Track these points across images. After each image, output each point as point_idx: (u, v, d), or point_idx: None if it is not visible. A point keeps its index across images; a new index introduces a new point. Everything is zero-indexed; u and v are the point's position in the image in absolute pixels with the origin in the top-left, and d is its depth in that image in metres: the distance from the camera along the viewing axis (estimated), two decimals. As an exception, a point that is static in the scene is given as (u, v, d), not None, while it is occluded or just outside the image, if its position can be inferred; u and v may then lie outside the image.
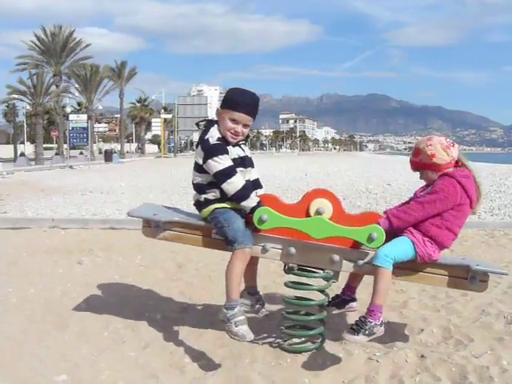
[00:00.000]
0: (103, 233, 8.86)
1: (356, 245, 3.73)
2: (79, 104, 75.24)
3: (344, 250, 3.75)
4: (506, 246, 7.51)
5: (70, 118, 40.67)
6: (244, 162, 3.84)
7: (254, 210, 3.64)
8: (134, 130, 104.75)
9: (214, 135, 3.71)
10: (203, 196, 3.78)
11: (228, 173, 3.62)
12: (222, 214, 3.69)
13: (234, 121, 3.70)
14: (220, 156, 3.63)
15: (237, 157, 3.76)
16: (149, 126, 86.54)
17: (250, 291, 4.05)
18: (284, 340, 3.98)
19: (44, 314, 4.62)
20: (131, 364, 3.72)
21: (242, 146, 3.88)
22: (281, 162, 46.93)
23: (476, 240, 7.93)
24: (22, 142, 72.53)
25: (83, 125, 39.71)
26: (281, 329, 3.98)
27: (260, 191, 3.94)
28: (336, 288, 4.59)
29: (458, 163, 3.84)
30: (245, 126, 3.75)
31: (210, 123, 3.81)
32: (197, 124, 3.91)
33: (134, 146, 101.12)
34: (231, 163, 3.66)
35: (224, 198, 3.72)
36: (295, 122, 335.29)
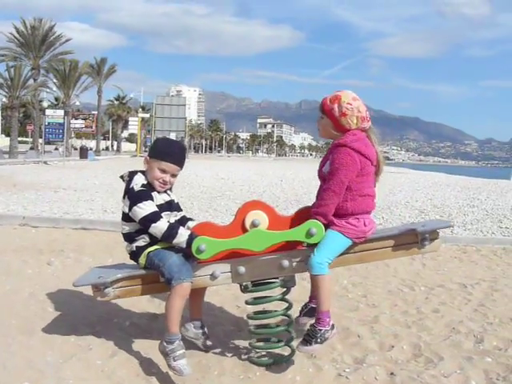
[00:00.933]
0: (74, 233, 8.74)
1: (299, 244, 3.76)
2: (56, 99, 74.45)
3: (290, 253, 3.76)
4: (478, 262, 7.57)
5: (46, 113, 40.10)
6: (170, 206, 3.91)
7: (189, 243, 3.65)
8: (110, 128, 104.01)
9: (138, 182, 3.78)
10: (134, 245, 3.83)
11: (152, 218, 3.67)
12: (156, 256, 3.73)
13: (162, 171, 3.79)
14: (144, 202, 3.69)
15: (163, 202, 3.85)
16: (126, 125, 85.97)
17: (195, 324, 4.07)
18: (253, 353, 3.94)
19: (9, 317, 4.51)
20: (97, 373, 3.64)
21: (168, 191, 3.95)
22: (257, 166, 46.91)
23: (448, 255, 7.98)
24: (-4, 135, 71.57)
25: (60, 120, 39.13)
26: (249, 343, 3.95)
27: (191, 224, 3.96)
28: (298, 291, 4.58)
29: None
30: (173, 175, 3.84)
31: (132, 173, 3.89)
32: (121, 177, 3.97)
33: (110, 143, 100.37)
34: (155, 209, 3.72)
35: (154, 241, 3.77)
36: (273, 126, 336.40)
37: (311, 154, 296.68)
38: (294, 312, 4.11)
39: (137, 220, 3.71)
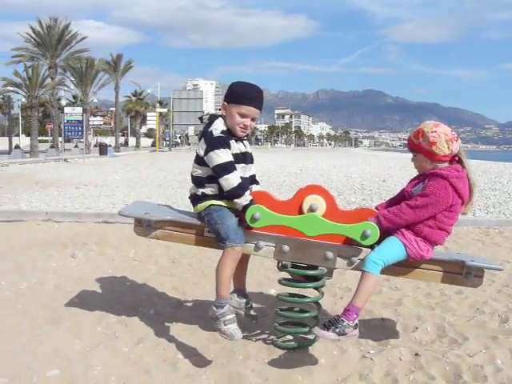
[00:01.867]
0: (97, 226, 8.83)
1: (350, 241, 3.70)
2: (74, 97, 74.99)
3: (338, 246, 3.71)
4: (501, 245, 7.52)
5: (65, 111, 40.42)
6: (245, 158, 3.81)
7: (246, 207, 3.62)
8: (129, 124, 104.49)
9: (218, 127, 3.67)
10: (201, 190, 3.74)
11: (226, 168, 3.58)
12: (216, 211, 3.66)
13: (243, 115, 3.67)
14: (221, 149, 3.59)
15: (239, 152, 3.74)
16: (144, 120, 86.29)
17: (239, 293, 4.03)
18: (278, 337, 3.96)
19: (37, 309, 4.59)
20: (124, 359, 3.70)
21: (245, 141, 3.85)
22: (276, 157, 46.90)
23: (470, 238, 7.94)
24: (17, 135, 72.32)
25: (78, 118, 39.47)
26: (275, 326, 3.96)
27: (255, 187, 3.91)
28: (331, 284, 4.60)
29: (454, 158, 3.76)
30: (253, 119, 3.73)
31: (213, 116, 3.78)
32: (200, 118, 3.87)
33: (129, 139, 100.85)
34: (231, 158, 3.63)
35: (221, 194, 3.68)
36: (291, 117, 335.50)
37: (330, 144, 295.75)
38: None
39: (211, 166, 3.62)
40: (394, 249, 3.62)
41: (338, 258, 3.72)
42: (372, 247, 3.66)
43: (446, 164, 3.73)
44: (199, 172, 3.75)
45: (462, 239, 7.76)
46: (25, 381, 3.32)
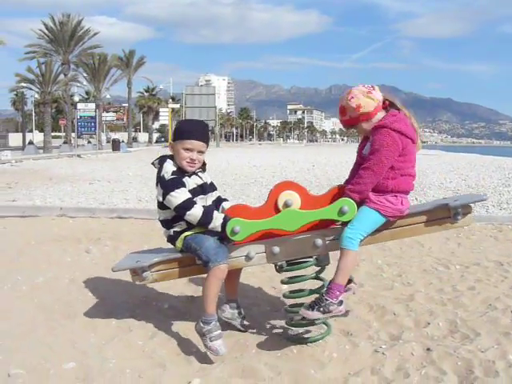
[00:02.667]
0: (111, 222, 8.90)
1: (332, 222, 3.79)
2: (87, 93, 75.48)
3: (323, 231, 3.79)
4: (514, 241, 7.48)
5: (78, 107, 40.71)
6: (203, 189, 3.93)
7: (224, 226, 3.71)
8: (141, 120, 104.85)
9: (168, 170, 3.81)
10: (172, 230, 3.90)
11: (186, 206, 3.71)
12: (193, 240, 3.78)
13: (187, 149, 3.80)
14: (176, 190, 3.72)
15: (195, 186, 3.87)
16: (156, 116, 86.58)
17: (231, 304, 4.15)
18: (290, 331, 4.01)
19: (53, 303, 4.66)
20: (138, 352, 3.75)
21: (200, 174, 3.97)
22: (288, 152, 46.86)
23: (483, 234, 7.91)
24: (31, 131, 72.83)
25: (91, 114, 39.78)
26: (286, 322, 4.02)
27: (226, 204, 4.01)
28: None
29: (385, 103, 3.83)
30: (199, 152, 3.85)
31: (162, 159, 3.90)
32: (152, 163, 4.01)
33: (141, 135, 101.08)
34: (188, 195, 3.75)
35: (191, 226, 3.82)
36: (303, 112, 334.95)
37: (343, 139, 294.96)
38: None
39: (172, 208, 3.76)
40: (366, 217, 3.67)
41: (327, 242, 3.79)
42: None
43: (383, 113, 3.79)
44: (164, 216, 3.92)
45: (475, 235, 7.74)
46: (41, 373, 3.38)
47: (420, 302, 4.77)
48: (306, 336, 3.96)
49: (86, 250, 6.68)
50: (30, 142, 47.38)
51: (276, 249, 3.79)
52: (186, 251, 3.86)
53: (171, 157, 3.91)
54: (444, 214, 3.82)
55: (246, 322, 4.15)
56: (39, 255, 6.39)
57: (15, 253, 6.49)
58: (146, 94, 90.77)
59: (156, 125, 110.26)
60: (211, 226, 3.74)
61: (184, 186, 3.78)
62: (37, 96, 55.73)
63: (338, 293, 3.62)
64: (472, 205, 3.89)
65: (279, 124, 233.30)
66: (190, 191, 3.80)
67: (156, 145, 74.08)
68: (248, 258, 3.83)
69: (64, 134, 68.59)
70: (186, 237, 3.83)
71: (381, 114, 3.80)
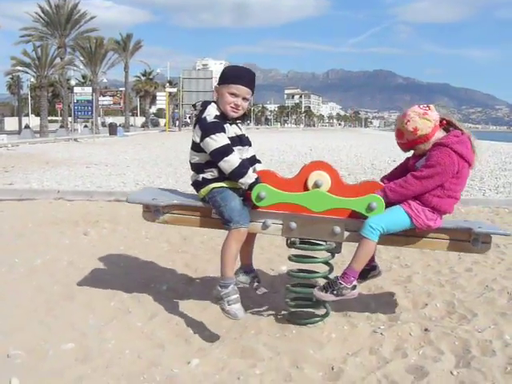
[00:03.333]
0: (108, 205, 8.90)
1: (357, 215, 3.72)
2: (84, 77, 74.97)
3: (345, 220, 3.74)
4: (511, 224, 7.51)
5: (74, 91, 40.43)
6: (241, 141, 3.85)
7: (252, 186, 3.65)
8: (138, 104, 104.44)
9: (211, 113, 3.70)
10: (201, 175, 3.78)
11: (224, 151, 3.60)
12: (219, 194, 3.69)
13: (233, 94, 3.70)
14: (217, 134, 3.61)
15: (234, 135, 3.77)
16: (153, 100, 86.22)
17: (246, 269, 4.10)
18: (289, 312, 4.01)
19: (51, 284, 4.66)
20: (137, 334, 3.76)
21: (239, 124, 3.89)
22: (286, 136, 46.78)
23: (480, 217, 7.93)
24: (27, 115, 72.50)
25: (88, 97, 39.45)
26: (286, 301, 4.01)
27: (258, 166, 3.94)
28: (341, 260, 4.64)
29: (442, 123, 3.76)
30: (244, 99, 3.74)
31: (206, 102, 3.81)
32: (193, 105, 3.89)
33: (138, 119, 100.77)
34: (228, 141, 3.65)
35: (222, 176, 3.72)
36: (300, 97, 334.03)
37: (340, 124, 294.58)
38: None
39: (208, 151, 3.65)
40: (395, 216, 3.64)
41: (345, 232, 3.76)
42: None
43: (442, 133, 3.73)
44: (197, 159, 3.79)
45: (472, 218, 7.75)
46: (41, 354, 3.39)
47: (418, 283, 4.80)
48: (305, 317, 3.97)
49: (84, 233, 6.68)
50: (27, 126, 47.24)
51: (293, 224, 3.75)
52: (207, 201, 3.77)
53: (215, 102, 3.80)
54: (464, 237, 3.76)
55: (261, 288, 4.07)
56: (37, 238, 6.39)
57: (13, 236, 6.49)
58: (143, 78, 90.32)
59: (153, 109, 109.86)
60: (242, 180, 3.64)
61: (225, 131, 3.68)
62: (33, 80, 55.36)
63: (352, 278, 3.64)
64: (492, 236, 3.83)
65: (277, 108, 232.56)
66: (228, 138, 3.69)
67: (149, 129, 73.87)
68: (265, 225, 3.79)
69: (60, 118, 68.39)
70: (213, 188, 3.73)
71: (439, 134, 3.71)
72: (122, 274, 5.05)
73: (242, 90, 3.71)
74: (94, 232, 6.74)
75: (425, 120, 3.67)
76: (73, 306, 4.20)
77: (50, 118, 60.77)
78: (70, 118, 48.84)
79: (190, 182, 3.94)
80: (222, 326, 3.86)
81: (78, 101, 39.48)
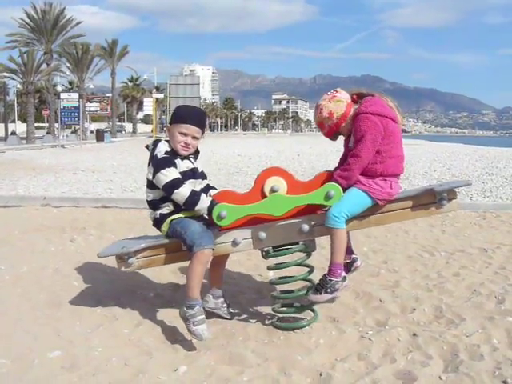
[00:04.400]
0: (95, 211, 8.85)
1: (319, 208, 3.79)
2: (70, 83, 74.78)
3: (310, 217, 3.80)
4: (498, 228, 7.54)
5: (61, 97, 40.34)
6: (194, 174, 3.95)
7: (211, 210, 3.71)
8: (125, 110, 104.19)
9: (161, 150, 3.84)
10: (158, 212, 3.89)
11: (174, 184, 3.72)
12: (178, 224, 3.78)
13: (182, 134, 3.84)
14: (167, 169, 3.74)
15: (186, 169, 3.88)
16: (140, 106, 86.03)
17: (215, 295, 4.14)
18: (277, 318, 4.00)
19: (37, 292, 4.61)
20: (124, 341, 3.72)
21: (192, 159, 3.99)
22: (273, 142, 46.85)
23: (467, 221, 7.97)
24: (13, 121, 72.11)
25: (75, 104, 39.37)
26: (273, 308, 4.01)
27: (214, 192, 4.01)
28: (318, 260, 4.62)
29: (354, 98, 3.89)
30: (194, 138, 3.88)
31: (157, 141, 3.94)
32: (146, 147, 4.01)
33: (125, 125, 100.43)
34: (177, 175, 3.76)
35: (178, 209, 3.83)
36: (288, 102, 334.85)
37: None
38: (315, 277, 4.15)
39: (160, 186, 3.77)
40: (353, 198, 3.70)
41: (314, 228, 3.80)
42: None
43: (357, 106, 3.85)
44: (152, 196, 3.92)
45: (460, 222, 7.79)
46: (26, 362, 3.34)
47: (406, 288, 4.79)
48: (292, 323, 3.96)
49: (70, 240, 6.63)
50: (13, 133, 46.97)
51: (262, 234, 3.78)
52: (171, 236, 3.85)
53: (166, 140, 3.94)
54: (429, 200, 3.83)
55: (231, 310, 4.15)
56: (23, 245, 6.33)
57: (-2, 243, 6.42)
58: (130, 83, 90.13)
59: (140, 115, 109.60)
60: (197, 207, 3.73)
61: (175, 166, 3.79)
62: (19, 86, 55.16)
63: (339, 271, 3.73)
64: (457, 190, 3.91)
65: (264, 114, 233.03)
66: (180, 173, 3.80)
67: (136, 135, 73.62)
68: (234, 243, 3.82)
69: (47, 124, 68.04)
70: (171, 220, 3.83)
71: (354, 109, 3.84)
72: (108, 281, 5.01)
73: (192, 129, 3.86)
74: (81, 239, 6.69)
75: (335, 102, 3.83)
76: (59, 314, 4.15)
77: (36, 124, 60.45)
78: (56, 124, 48.61)
79: (151, 223, 4.03)
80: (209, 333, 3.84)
81: (64, 107, 39.36)
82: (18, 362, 3.33)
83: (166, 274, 5.24)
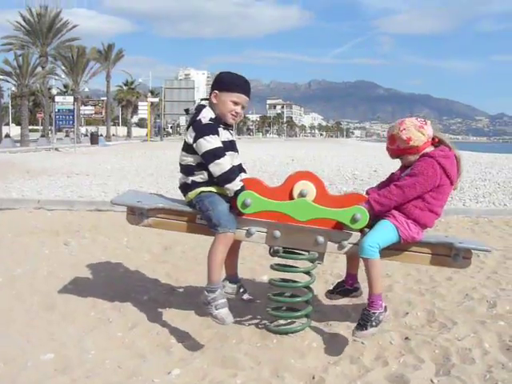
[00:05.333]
0: (89, 214, 8.84)
1: (340, 226, 3.74)
2: (65, 86, 74.55)
3: (328, 231, 3.76)
4: (490, 233, 7.59)
5: (56, 100, 40.18)
6: (233, 146, 3.87)
7: (237, 194, 3.66)
8: (120, 114, 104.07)
9: (206, 116, 3.73)
10: (190, 178, 3.78)
11: (217, 153, 3.63)
12: (207, 198, 3.70)
13: (235, 102, 3.76)
14: (211, 136, 3.65)
15: (226, 140, 3.80)
16: (135, 110, 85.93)
17: (231, 279, 4.12)
18: (270, 321, 4.01)
19: (31, 294, 4.62)
20: (118, 344, 3.74)
21: (231, 130, 3.92)
22: (268, 147, 46.88)
23: (460, 226, 8.01)
24: (7, 124, 71.97)
25: (69, 107, 39.20)
26: (267, 310, 4.01)
27: (244, 175, 3.95)
28: (323, 271, 4.64)
29: (434, 140, 3.83)
30: (243, 107, 3.82)
31: (201, 106, 3.84)
32: (186, 110, 3.94)
33: (120, 129, 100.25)
34: (221, 144, 3.68)
35: (211, 181, 3.73)
36: (282, 107, 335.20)
37: (321, 134, 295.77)
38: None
39: (200, 153, 3.67)
40: (386, 232, 3.66)
41: (328, 243, 3.76)
42: (362, 231, 3.71)
43: (431, 149, 3.78)
44: (188, 160, 3.79)
45: (452, 228, 7.83)
46: (19, 364, 3.36)
47: (398, 292, 4.82)
48: (286, 326, 3.98)
49: (64, 243, 6.62)
50: (7, 135, 46.89)
51: (277, 233, 3.76)
52: (194, 205, 3.77)
53: (209, 106, 3.84)
54: (445, 252, 3.80)
55: (247, 297, 4.12)
56: (16, 248, 6.32)
57: (-8, 245, 6.42)
58: (124, 87, 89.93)
59: (135, 118, 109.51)
60: (229, 185, 3.66)
61: (218, 134, 3.72)
62: (14, 89, 55.04)
63: (379, 302, 3.63)
64: (473, 252, 3.87)
65: (258, 119, 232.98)
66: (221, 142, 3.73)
67: (130, 139, 73.58)
68: (249, 233, 3.78)
69: (41, 127, 67.87)
70: (201, 192, 3.74)
71: (428, 150, 3.77)
72: (102, 283, 5.01)
73: (243, 99, 3.81)
74: (75, 242, 6.69)
75: (420, 133, 3.74)
76: (53, 316, 4.16)
77: (30, 127, 60.23)
78: (51, 127, 48.50)
79: (178, 185, 3.94)
80: (203, 336, 3.85)
81: (59, 110, 39.21)
82: (11, 364, 3.35)
83: (160, 276, 5.26)
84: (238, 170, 3.91)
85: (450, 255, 3.79)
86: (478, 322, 4.05)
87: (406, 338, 3.77)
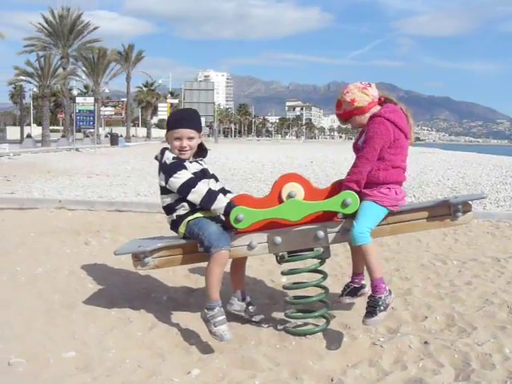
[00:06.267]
0: (109, 215, 8.91)
1: (335, 216, 3.83)
2: (86, 87, 75.34)
3: (325, 224, 3.83)
4: (511, 237, 7.52)
5: (76, 101, 40.55)
6: (205, 174, 4.00)
7: (228, 212, 3.73)
8: (140, 114, 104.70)
9: (168, 156, 3.90)
10: (175, 214, 3.93)
11: (190, 183, 3.77)
12: (195, 225, 3.82)
13: (177, 138, 3.89)
14: (178, 172, 3.80)
15: (196, 171, 3.93)
16: (155, 111, 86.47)
17: (239, 296, 4.17)
18: (289, 323, 4.03)
19: (52, 293, 4.67)
20: (138, 343, 3.77)
21: (200, 161, 4.05)
22: (286, 148, 46.87)
23: (480, 230, 7.94)
24: (29, 124, 72.67)
25: (90, 108, 39.56)
26: (285, 313, 4.04)
27: (230, 195, 4.05)
28: (331, 267, 4.64)
29: (380, 100, 3.93)
30: (189, 138, 3.91)
31: (163, 150, 4.00)
32: (155, 157, 4.06)
33: (140, 130, 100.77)
34: (190, 175, 3.82)
35: (194, 209, 3.86)
36: (302, 109, 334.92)
37: (341, 137, 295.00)
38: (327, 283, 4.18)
39: (175, 190, 3.81)
40: (368, 210, 3.73)
41: (329, 235, 3.83)
42: (346, 217, 3.80)
43: (378, 108, 3.88)
44: (167, 200, 3.96)
45: (472, 232, 7.77)
46: (41, 362, 3.40)
47: (418, 296, 4.80)
48: (304, 328, 3.99)
49: (85, 242, 6.69)
50: (28, 136, 47.34)
51: (278, 239, 3.81)
52: (188, 237, 3.88)
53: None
54: (444, 211, 3.86)
55: (256, 315, 4.15)
56: (38, 247, 6.40)
57: (14, 244, 6.50)
58: (144, 88, 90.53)
59: (154, 120, 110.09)
60: (214, 206, 3.76)
61: (185, 168, 3.85)
62: (35, 89, 55.50)
63: (383, 285, 3.70)
64: (472, 203, 3.92)
65: (277, 120, 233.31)
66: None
67: (150, 140, 73.94)
68: (250, 247, 3.84)
69: (62, 127, 68.51)
70: (189, 221, 3.85)
71: (375, 109, 3.88)
72: (122, 283, 5.06)
73: (183, 131, 3.91)
74: (95, 242, 6.75)
75: (363, 94, 3.87)
76: (74, 315, 4.20)
77: (51, 127, 60.76)
78: (70, 128, 48.93)
79: (169, 227, 4.08)
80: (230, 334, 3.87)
81: (79, 111, 39.56)
82: (33, 362, 3.38)
83: (179, 277, 5.29)
84: (223, 192, 4.03)
85: (449, 213, 3.85)
86: (499, 328, 4.02)
87: (425, 342, 3.75)
